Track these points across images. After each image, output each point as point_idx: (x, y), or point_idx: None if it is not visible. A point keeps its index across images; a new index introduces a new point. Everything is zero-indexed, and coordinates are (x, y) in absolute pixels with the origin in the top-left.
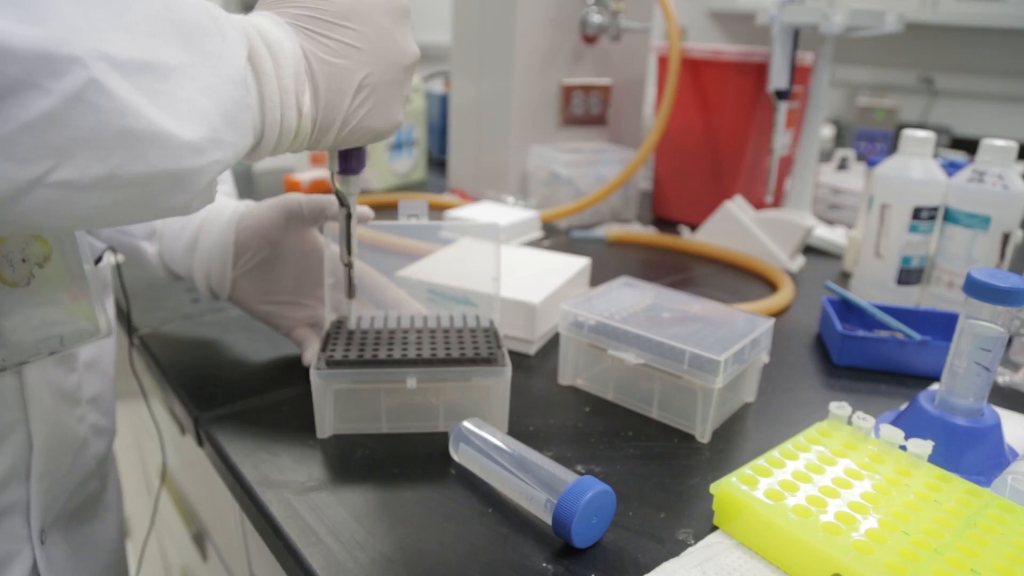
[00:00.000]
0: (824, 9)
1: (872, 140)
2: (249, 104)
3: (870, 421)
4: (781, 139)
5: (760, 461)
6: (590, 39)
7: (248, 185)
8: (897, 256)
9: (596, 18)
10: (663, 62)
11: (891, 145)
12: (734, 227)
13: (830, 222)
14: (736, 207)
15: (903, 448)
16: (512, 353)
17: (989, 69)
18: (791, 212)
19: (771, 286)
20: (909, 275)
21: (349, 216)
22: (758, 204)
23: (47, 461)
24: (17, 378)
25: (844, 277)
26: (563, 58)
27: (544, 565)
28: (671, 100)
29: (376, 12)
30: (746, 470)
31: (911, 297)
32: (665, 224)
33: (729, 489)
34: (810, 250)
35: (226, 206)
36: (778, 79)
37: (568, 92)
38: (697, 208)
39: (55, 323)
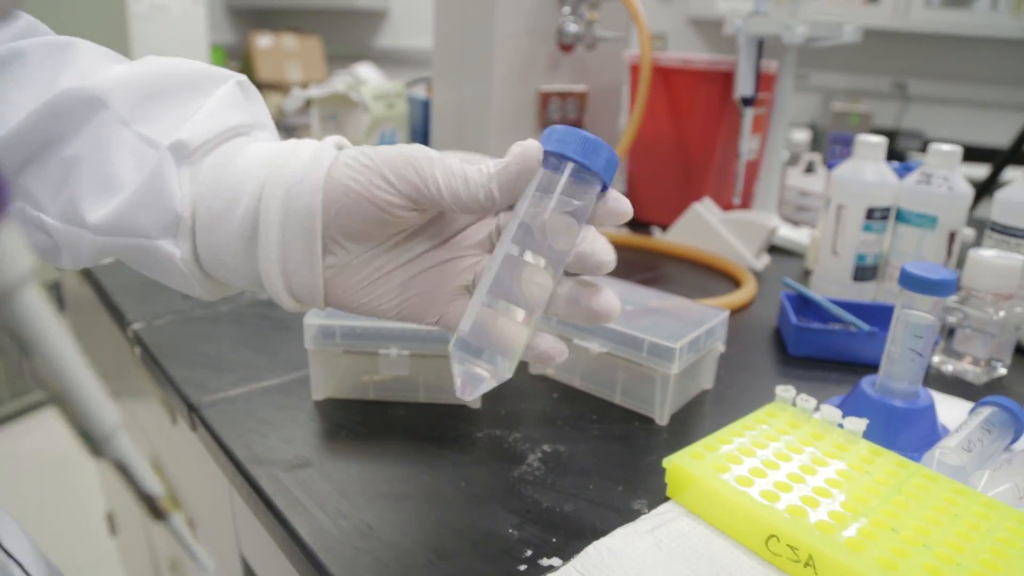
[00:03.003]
0: (786, 20)
1: (847, 144)
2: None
3: (811, 402)
4: (747, 144)
5: (709, 439)
6: (566, 47)
7: None
8: (852, 254)
9: (572, 27)
10: (635, 70)
11: None
12: (702, 228)
13: (796, 223)
14: (704, 209)
15: (841, 426)
16: None
17: (960, 75)
18: (756, 213)
19: (736, 283)
20: (864, 272)
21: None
22: (726, 206)
23: None
24: None
25: (806, 274)
26: (540, 66)
27: (510, 531)
28: (642, 107)
29: None
30: (696, 447)
31: (867, 292)
32: (639, 225)
33: (680, 463)
34: (775, 249)
35: (297, 155)
36: (744, 87)
37: (545, 98)
38: (669, 210)
39: None
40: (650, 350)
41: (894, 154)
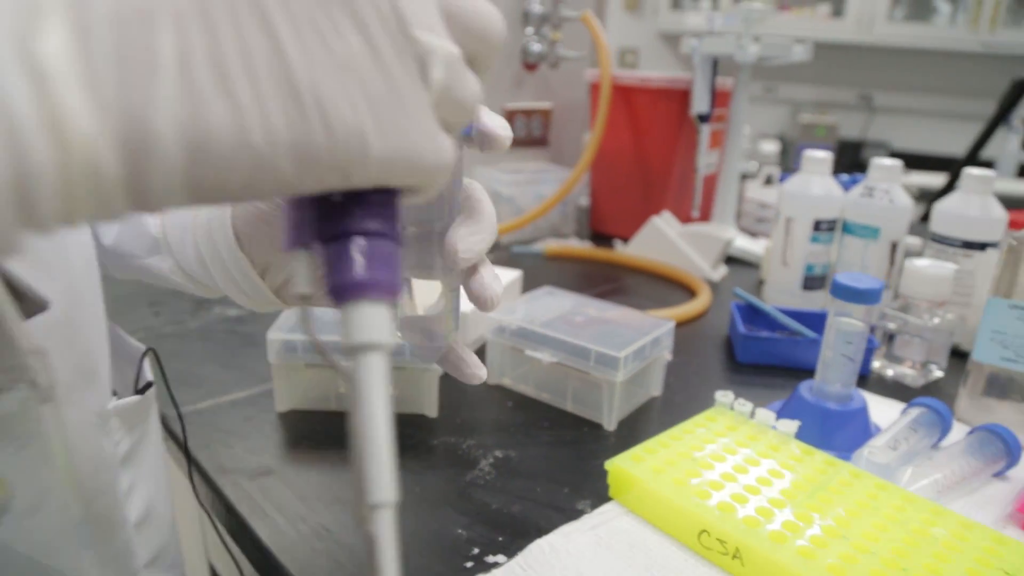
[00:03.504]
0: (739, 40)
1: None
2: None
3: (748, 406)
4: (704, 159)
5: (650, 442)
6: (530, 66)
7: None
8: (801, 264)
9: (536, 47)
10: (596, 88)
11: (833, 159)
12: (661, 240)
13: (755, 234)
14: (662, 222)
15: (775, 428)
16: None
17: (923, 87)
18: (713, 226)
19: (692, 294)
20: (813, 281)
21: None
22: (685, 218)
23: None
24: None
25: (760, 284)
26: (505, 84)
27: (459, 531)
28: (602, 124)
29: None
30: (637, 450)
31: (816, 301)
32: (601, 238)
33: (621, 465)
34: (733, 260)
35: None
36: (700, 104)
37: (510, 116)
38: (630, 223)
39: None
40: (597, 359)
41: (860, 165)
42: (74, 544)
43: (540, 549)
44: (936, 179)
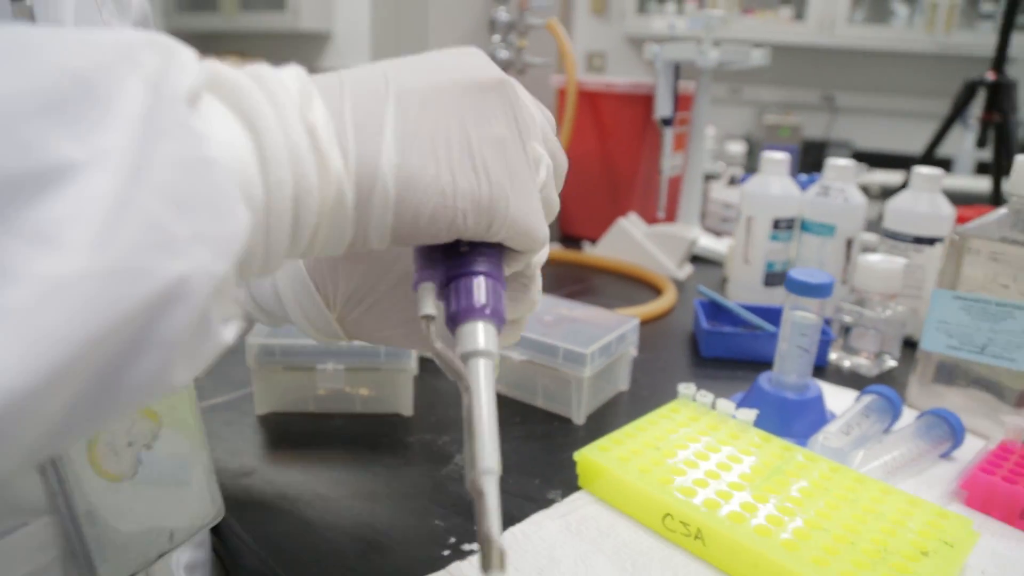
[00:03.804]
0: (699, 47)
1: None
2: (209, 158)
3: (709, 397)
4: (668, 161)
5: (616, 433)
6: None
7: None
8: (762, 261)
9: (503, 54)
10: (562, 94)
11: (797, 159)
12: (627, 241)
13: (720, 234)
14: (629, 223)
15: (735, 417)
16: (423, 357)
17: (883, 87)
18: (679, 226)
19: (658, 292)
20: (773, 278)
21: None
22: (651, 219)
23: None
24: None
25: (725, 282)
26: None
27: (437, 522)
28: (569, 129)
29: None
30: (603, 441)
31: (777, 297)
32: (571, 240)
33: (589, 456)
34: (698, 259)
35: None
36: (662, 108)
37: None
38: (598, 225)
39: (164, 516)
40: (565, 356)
41: (823, 165)
42: None
43: (513, 537)
44: (897, 177)
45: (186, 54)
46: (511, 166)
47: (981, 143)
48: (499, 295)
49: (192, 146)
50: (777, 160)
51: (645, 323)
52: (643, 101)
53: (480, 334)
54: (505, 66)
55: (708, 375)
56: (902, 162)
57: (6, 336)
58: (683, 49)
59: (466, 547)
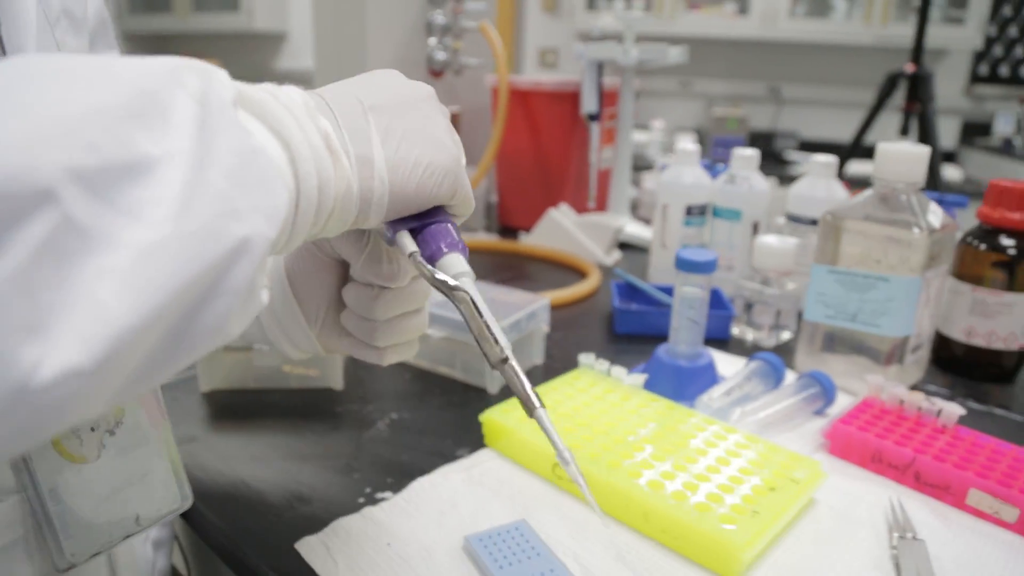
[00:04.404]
0: (620, 46)
1: (728, 146)
2: (256, 147)
3: (605, 365)
4: (596, 154)
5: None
6: (436, 73)
7: None
8: (677, 245)
9: (439, 55)
10: (495, 93)
11: None
12: (557, 230)
13: (650, 222)
14: (559, 213)
15: (626, 382)
16: None
17: (825, 78)
18: (607, 216)
19: (585, 277)
20: None
21: (474, 303)
22: (582, 209)
23: None
24: (107, 560)
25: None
26: None
27: (356, 476)
28: (501, 126)
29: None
30: (505, 404)
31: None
32: (509, 231)
33: (492, 417)
34: (626, 246)
35: None
36: (588, 104)
37: None
38: (533, 216)
39: (129, 500)
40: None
41: (771, 154)
42: None
43: (421, 486)
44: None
45: (220, 73)
46: (457, 147)
47: (904, 131)
48: (458, 233)
49: (243, 139)
50: (689, 151)
51: (569, 305)
52: (571, 98)
53: (462, 261)
54: (442, 67)
55: (620, 349)
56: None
57: (110, 289)
58: (605, 49)
59: (379, 496)
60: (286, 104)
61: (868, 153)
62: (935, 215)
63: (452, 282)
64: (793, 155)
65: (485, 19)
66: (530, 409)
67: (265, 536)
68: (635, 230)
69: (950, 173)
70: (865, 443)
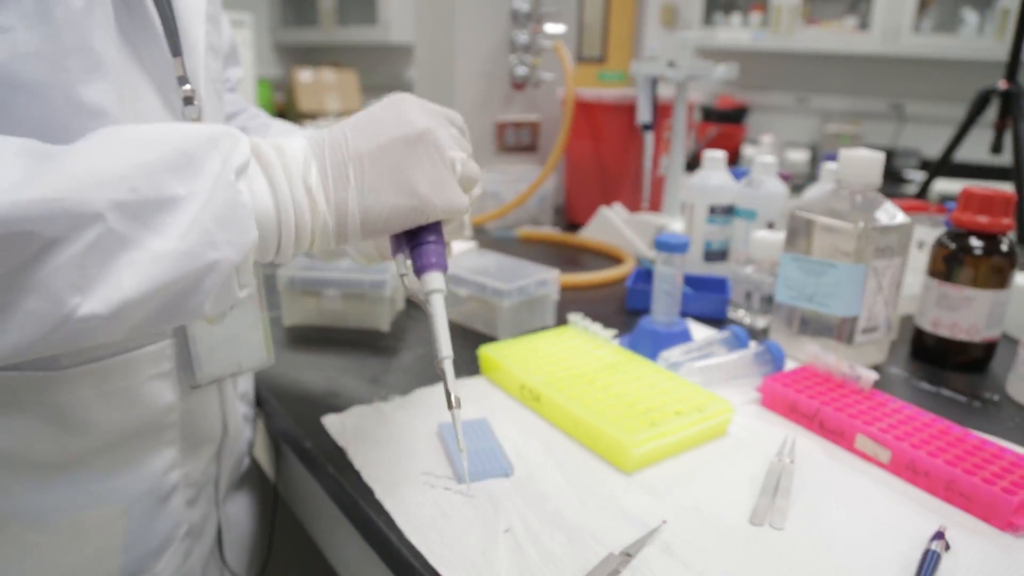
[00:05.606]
0: (671, 64)
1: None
2: (242, 202)
3: (588, 322)
4: (650, 160)
5: (510, 340)
6: (518, 86)
7: None
8: (702, 241)
9: (520, 70)
10: (564, 104)
11: None
12: (607, 225)
13: None
14: (610, 211)
15: (605, 336)
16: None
17: (954, 96)
18: (655, 215)
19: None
20: (711, 255)
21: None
22: (636, 209)
23: (230, 445)
24: (218, 391)
25: None
26: (496, 101)
27: (377, 384)
28: (565, 134)
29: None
30: (499, 344)
31: (716, 270)
32: (573, 226)
33: (485, 351)
34: None
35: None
36: (643, 115)
37: (501, 128)
38: (593, 214)
39: (238, 351)
40: (491, 292)
41: (890, 173)
42: None
43: (420, 394)
44: (952, 185)
45: (244, 140)
46: (435, 179)
47: (996, 149)
48: (441, 253)
49: (233, 195)
50: (716, 158)
51: (604, 286)
52: (628, 110)
53: (435, 279)
54: (523, 81)
55: (626, 322)
56: (966, 171)
57: (128, 273)
58: (656, 66)
59: (389, 397)
60: (285, 162)
61: (957, 171)
62: (886, 213)
63: (423, 296)
64: (912, 174)
65: (560, 39)
66: (449, 404)
67: (304, 414)
68: (678, 227)
69: None
70: (785, 396)
